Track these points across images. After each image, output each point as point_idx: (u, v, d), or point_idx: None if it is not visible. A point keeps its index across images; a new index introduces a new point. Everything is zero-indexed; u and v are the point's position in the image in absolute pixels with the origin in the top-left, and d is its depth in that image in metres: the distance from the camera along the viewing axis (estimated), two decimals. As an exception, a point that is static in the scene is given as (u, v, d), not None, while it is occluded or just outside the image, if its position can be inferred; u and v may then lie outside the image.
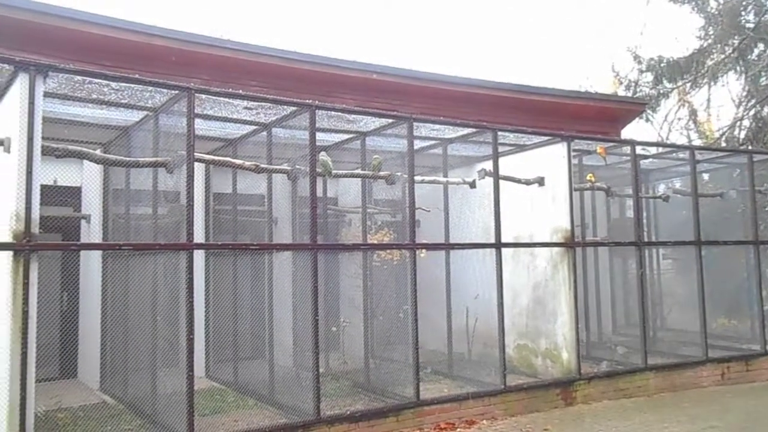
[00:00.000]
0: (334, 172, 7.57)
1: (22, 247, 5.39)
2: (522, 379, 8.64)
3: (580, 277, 9.57)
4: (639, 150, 10.08)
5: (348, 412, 7.01)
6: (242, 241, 9.21)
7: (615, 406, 8.45)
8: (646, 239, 11.14)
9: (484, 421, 7.67)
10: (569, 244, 8.79)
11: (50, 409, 6.88)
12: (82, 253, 8.91)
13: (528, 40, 48.51)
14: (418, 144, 8.70)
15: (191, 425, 6.01)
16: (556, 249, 8.88)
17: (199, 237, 8.56)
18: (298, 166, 7.38)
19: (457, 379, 8.75)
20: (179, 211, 7.28)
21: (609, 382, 8.83)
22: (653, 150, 11.29)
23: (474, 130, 8.78)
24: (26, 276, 5.39)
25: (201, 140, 7.39)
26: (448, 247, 9.03)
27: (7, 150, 5.82)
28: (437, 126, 8.60)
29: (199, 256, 8.30)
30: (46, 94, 6.01)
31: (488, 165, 8.69)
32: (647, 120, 22.39)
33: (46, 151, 5.81)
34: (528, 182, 9.13)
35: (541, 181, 9.13)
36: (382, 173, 7.98)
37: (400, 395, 7.66)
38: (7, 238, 5.47)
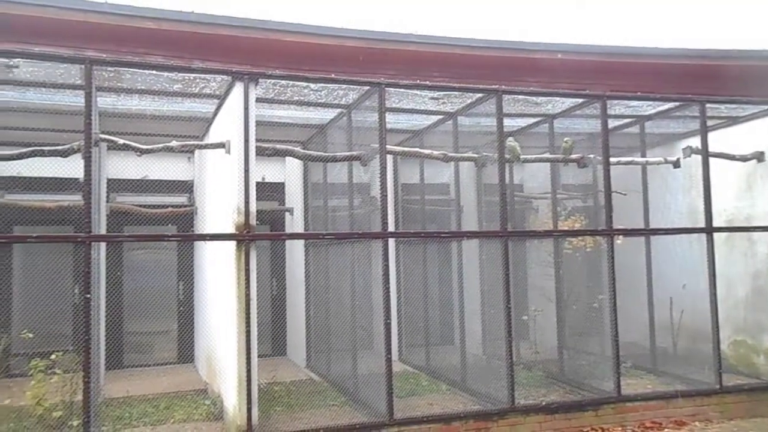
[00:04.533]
0: (522, 157, 7.39)
1: (243, 237, 6.05)
2: (741, 379, 7.74)
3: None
4: None
5: (543, 403, 6.84)
6: (430, 229, 9.41)
7: None
8: None
9: (697, 423, 7.00)
10: (799, 227, 7.65)
11: (268, 382, 7.66)
12: (287, 242, 9.80)
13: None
14: (611, 123, 8.15)
15: (390, 405, 6.30)
16: (782, 233, 7.78)
17: (389, 226, 8.93)
18: (485, 153, 7.33)
19: (662, 376, 8.10)
20: (370, 201, 7.66)
21: None
22: None
23: (676, 104, 7.99)
24: (247, 263, 6.04)
25: (389, 133, 7.67)
26: (649, 232, 8.34)
27: (228, 151, 6.57)
28: (633, 103, 7.98)
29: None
30: (256, 99, 6.65)
31: (693, 141, 7.87)
32: None
33: (259, 151, 6.44)
34: (744, 158, 8.10)
35: (760, 157, 8.06)
36: (573, 156, 7.62)
37: (598, 389, 7.29)
38: (229, 229, 6.20)
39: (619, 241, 7.56)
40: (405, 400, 7.22)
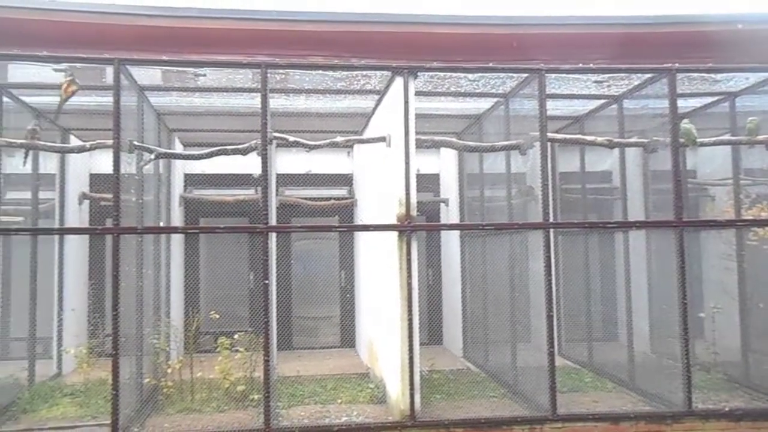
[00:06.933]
0: (698, 140, 6.78)
1: (405, 228, 6.22)
2: None
3: None
4: None
5: (726, 409, 6.27)
6: (590, 219, 8.99)
7: None
8: None
9: None
10: None
11: (428, 369, 7.82)
12: (443, 232, 9.90)
13: None
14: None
15: (554, 400, 6.15)
16: None
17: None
18: (655, 138, 6.83)
19: None
20: (527, 191, 7.48)
21: None
22: None
23: None
24: (408, 252, 6.21)
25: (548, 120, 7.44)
26: None
27: (389, 144, 6.78)
28: (836, 74, 6.99)
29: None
30: (415, 92, 6.75)
31: None
32: None
33: (418, 144, 6.56)
34: None
35: None
36: (760, 137, 6.85)
37: (792, 397, 6.53)
38: (391, 220, 6.39)
39: (817, 232, 6.70)
40: (567, 396, 7.00)
